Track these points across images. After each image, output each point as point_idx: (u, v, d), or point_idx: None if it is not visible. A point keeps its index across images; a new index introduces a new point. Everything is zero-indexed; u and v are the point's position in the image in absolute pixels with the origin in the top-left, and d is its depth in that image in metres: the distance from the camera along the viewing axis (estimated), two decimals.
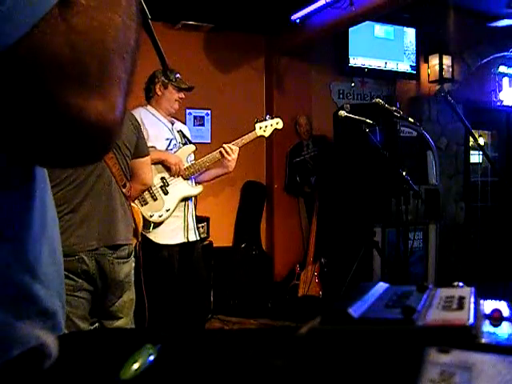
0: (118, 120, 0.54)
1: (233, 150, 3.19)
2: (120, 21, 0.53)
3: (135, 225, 2.51)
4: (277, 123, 3.44)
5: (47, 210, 0.66)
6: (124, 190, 2.35)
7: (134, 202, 2.62)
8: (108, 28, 0.51)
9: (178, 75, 3.19)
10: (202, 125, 5.32)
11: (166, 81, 3.14)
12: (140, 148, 2.47)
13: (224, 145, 3.23)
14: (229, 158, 3.18)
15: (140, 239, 2.71)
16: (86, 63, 0.49)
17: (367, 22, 5.37)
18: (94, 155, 0.57)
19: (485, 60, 6.25)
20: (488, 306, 0.66)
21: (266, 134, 3.41)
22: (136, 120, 2.50)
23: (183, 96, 3.24)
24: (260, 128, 3.36)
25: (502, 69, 6.57)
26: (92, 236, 2.18)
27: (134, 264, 2.44)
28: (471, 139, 5.97)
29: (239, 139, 3.29)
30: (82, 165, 0.60)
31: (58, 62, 0.48)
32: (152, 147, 2.99)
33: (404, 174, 3.39)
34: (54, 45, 0.48)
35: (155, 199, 3.09)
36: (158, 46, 0.74)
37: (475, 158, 6.65)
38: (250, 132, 3.33)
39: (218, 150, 3.23)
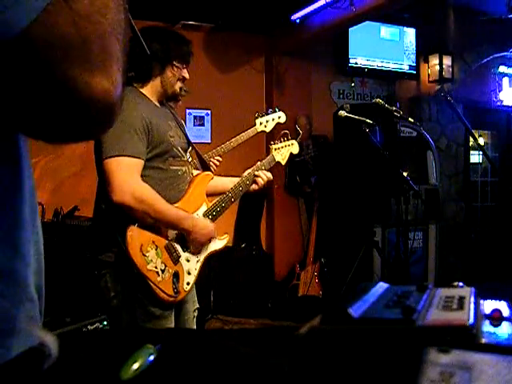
0: (120, 96, 0.59)
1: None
2: (113, 4, 0.58)
3: None
4: (279, 117, 3.26)
5: (35, 196, 0.68)
6: None
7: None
8: (104, 11, 0.56)
9: None
10: (202, 125, 5.32)
11: None
12: None
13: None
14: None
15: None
16: (90, 43, 0.54)
17: (370, 23, 5.37)
18: (98, 130, 0.62)
19: (485, 60, 6.24)
20: (488, 305, 0.66)
21: (267, 130, 3.23)
22: None
23: None
24: (261, 124, 3.22)
25: (502, 69, 6.56)
26: None
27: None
28: (471, 139, 5.96)
29: (238, 136, 3.16)
30: (85, 140, 0.63)
31: (66, 42, 0.52)
32: None
33: (404, 174, 3.39)
34: (61, 26, 0.52)
35: None
36: (135, 31, 0.78)
37: (475, 158, 6.65)
38: (250, 128, 3.19)
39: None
